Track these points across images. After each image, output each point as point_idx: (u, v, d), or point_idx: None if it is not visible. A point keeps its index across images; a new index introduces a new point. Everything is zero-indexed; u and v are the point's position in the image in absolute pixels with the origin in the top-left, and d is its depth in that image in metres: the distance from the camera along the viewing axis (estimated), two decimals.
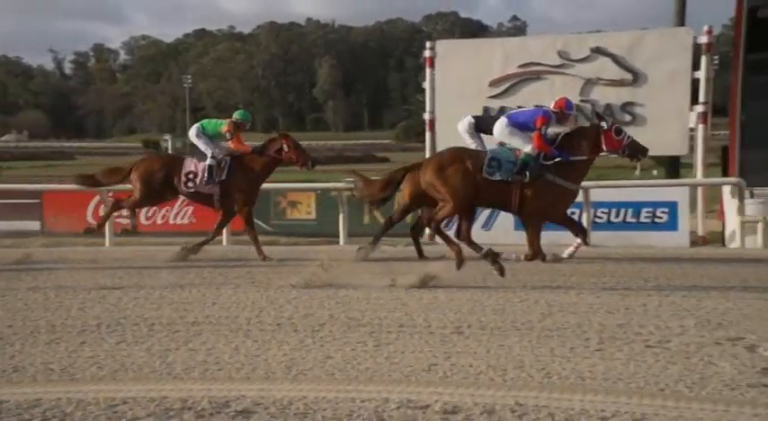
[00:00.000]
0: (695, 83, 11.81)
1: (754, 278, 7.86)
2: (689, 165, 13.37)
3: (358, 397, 4.14)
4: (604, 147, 8.06)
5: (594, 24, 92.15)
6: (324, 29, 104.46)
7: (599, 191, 11.51)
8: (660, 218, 11.42)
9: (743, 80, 11.62)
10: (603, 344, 5.13)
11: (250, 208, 10.15)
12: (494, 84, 12.68)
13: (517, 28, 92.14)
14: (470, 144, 9.07)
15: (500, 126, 8.30)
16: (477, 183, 7.92)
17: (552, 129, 8.31)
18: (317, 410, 3.97)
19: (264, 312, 6.46)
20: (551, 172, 7.93)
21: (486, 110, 12.56)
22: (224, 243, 11.92)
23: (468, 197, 7.99)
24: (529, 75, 12.58)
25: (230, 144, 10.07)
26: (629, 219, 11.58)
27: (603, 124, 8.11)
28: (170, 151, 61.77)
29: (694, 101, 11.85)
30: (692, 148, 12.31)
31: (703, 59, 11.76)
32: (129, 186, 10.20)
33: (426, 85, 13.13)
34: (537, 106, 9.06)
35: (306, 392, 4.25)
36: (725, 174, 12.17)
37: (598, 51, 12.28)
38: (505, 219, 11.86)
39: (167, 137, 71.01)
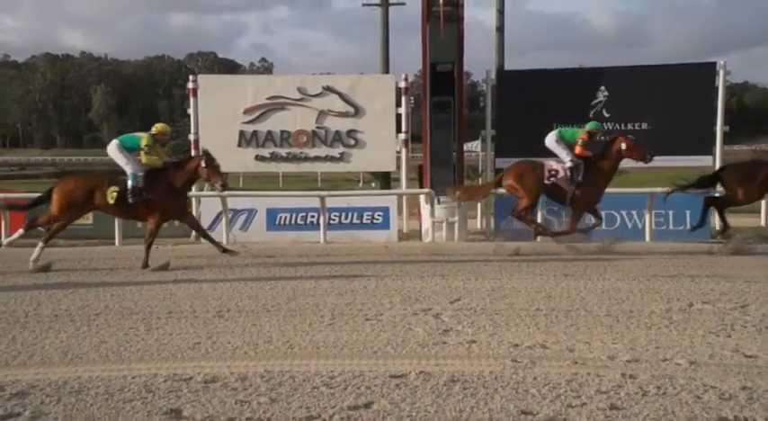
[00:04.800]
0: (399, 116, 12.50)
1: (441, 264, 8.39)
2: (397, 179, 14.09)
3: (129, 374, 3.93)
4: None
5: (325, 67, 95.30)
6: (97, 61, 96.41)
7: (332, 199, 11.82)
8: (377, 219, 11.80)
9: (429, 116, 12.42)
10: (334, 320, 5.28)
11: (591, 204, 9.49)
12: (247, 112, 12.57)
13: (265, 68, 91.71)
14: None
15: None
16: None
17: None
18: (90, 388, 3.71)
19: (42, 305, 5.87)
20: None
21: (241, 133, 12.46)
22: None
23: None
24: (275, 105, 12.63)
25: (577, 149, 9.33)
26: (354, 220, 11.82)
27: None
28: None
29: (399, 130, 12.59)
30: (398, 166, 13.03)
31: (403, 99, 12.49)
32: None
33: (191, 111, 12.70)
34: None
35: (80, 373, 3.95)
36: (420, 186, 12.78)
37: (328, 89, 12.62)
38: (259, 221, 11.80)
39: None
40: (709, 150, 12.16)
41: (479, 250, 9.82)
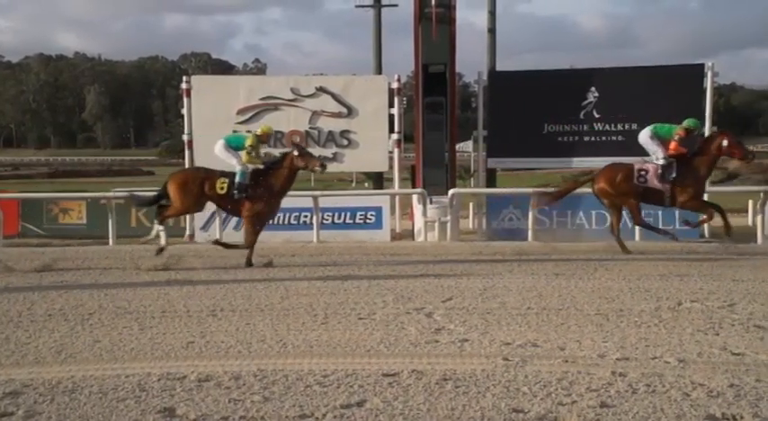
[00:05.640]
0: (391, 117, 12.45)
1: (434, 264, 8.42)
2: (389, 179, 14.09)
3: (123, 373, 3.90)
4: None
5: (318, 68, 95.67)
6: (91, 61, 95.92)
7: (325, 198, 11.79)
8: (370, 219, 11.78)
9: (422, 116, 12.40)
10: (327, 319, 5.27)
11: (699, 200, 9.15)
12: (240, 112, 12.51)
13: (259, 68, 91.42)
14: None
15: None
16: None
17: None
18: (84, 387, 3.68)
19: (36, 305, 5.83)
20: None
21: (234, 133, 12.39)
22: None
23: None
24: (269, 106, 12.58)
25: (672, 145, 8.95)
26: (347, 220, 11.81)
27: None
28: None
29: (391, 130, 12.57)
30: (391, 166, 13.00)
31: (396, 100, 12.45)
32: None
33: (185, 111, 12.65)
34: None
35: (74, 372, 3.92)
36: (413, 186, 12.82)
37: (321, 90, 12.58)
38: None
39: None
40: None
41: (471, 250, 9.83)
